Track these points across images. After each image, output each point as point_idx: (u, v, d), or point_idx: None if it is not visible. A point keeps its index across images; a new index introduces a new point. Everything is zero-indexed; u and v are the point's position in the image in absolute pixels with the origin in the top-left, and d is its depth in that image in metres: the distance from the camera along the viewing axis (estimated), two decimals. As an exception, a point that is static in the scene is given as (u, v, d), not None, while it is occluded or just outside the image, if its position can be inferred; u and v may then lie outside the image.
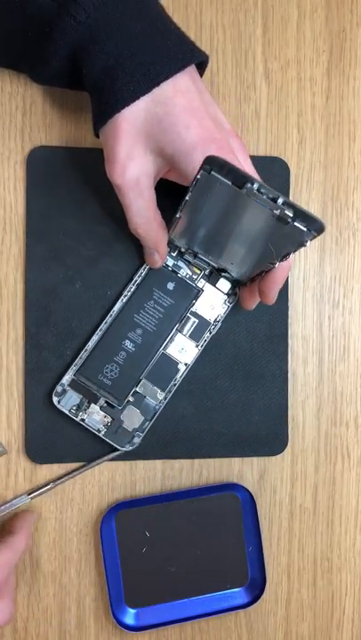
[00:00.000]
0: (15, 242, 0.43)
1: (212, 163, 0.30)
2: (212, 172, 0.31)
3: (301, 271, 0.47)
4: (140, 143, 0.35)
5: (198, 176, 0.32)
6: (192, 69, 0.36)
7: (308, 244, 0.32)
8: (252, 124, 0.46)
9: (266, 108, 0.46)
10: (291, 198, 0.46)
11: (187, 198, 0.34)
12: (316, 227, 0.31)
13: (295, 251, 0.34)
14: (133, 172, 0.36)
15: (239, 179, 0.30)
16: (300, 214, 0.30)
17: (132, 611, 0.43)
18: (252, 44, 0.45)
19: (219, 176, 0.31)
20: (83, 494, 0.44)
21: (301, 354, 0.47)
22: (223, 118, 0.38)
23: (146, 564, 0.44)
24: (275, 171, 0.45)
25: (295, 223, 0.31)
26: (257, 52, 0.45)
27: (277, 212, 0.31)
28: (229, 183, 0.31)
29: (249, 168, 0.38)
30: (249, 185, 0.30)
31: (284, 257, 0.35)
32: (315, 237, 0.31)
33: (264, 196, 0.30)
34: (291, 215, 0.31)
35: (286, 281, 0.46)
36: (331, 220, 0.47)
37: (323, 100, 0.46)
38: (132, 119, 0.35)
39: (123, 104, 0.34)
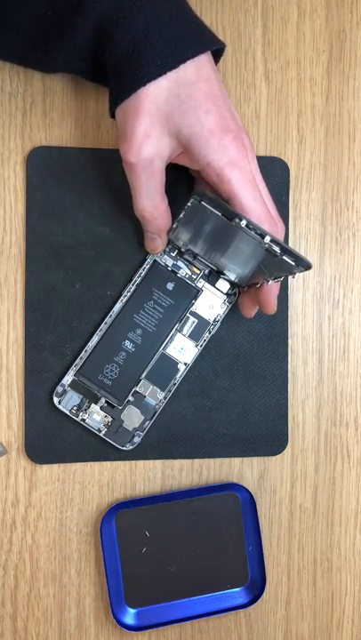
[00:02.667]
0: (15, 242, 0.43)
1: (202, 195, 0.31)
2: (203, 203, 0.32)
3: (301, 271, 0.47)
4: (159, 123, 0.35)
5: (189, 204, 0.33)
6: (211, 58, 0.37)
7: (296, 276, 0.33)
8: (252, 123, 0.46)
9: (266, 108, 0.46)
10: (291, 199, 0.46)
11: (180, 216, 0.35)
12: (303, 264, 0.32)
13: (286, 277, 0.35)
14: (149, 152, 0.36)
15: (228, 213, 0.31)
16: (287, 252, 0.31)
17: (132, 611, 0.43)
18: (252, 44, 0.45)
19: (209, 207, 0.32)
20: (83, 494, 0.44)
21: (301, 354, 0.47)
22: (237, 114, 0.38)
23: (146, 564, 0.44)
24: (274, 171, 0.45)
25: (284, 257, 0.32)
26: (257, 51, 0.45)
27: (266, 245, 0.32)
28: (219, 214, 0.32)
29: (255, 167, 0.38)
30: (237, 220, 0.31)
31: (277, 278, 0.36)
32: (303, 272, 0.32)
33: (252, 232, 0.31)
34: (278, 251, 0.32)
35: (286, 281, 0.46)
36: (331, 220, 0.47)
37: (323, 100, 0.46)
38: (154, 97, 0.35)
39: (149, 78, 0.34)
